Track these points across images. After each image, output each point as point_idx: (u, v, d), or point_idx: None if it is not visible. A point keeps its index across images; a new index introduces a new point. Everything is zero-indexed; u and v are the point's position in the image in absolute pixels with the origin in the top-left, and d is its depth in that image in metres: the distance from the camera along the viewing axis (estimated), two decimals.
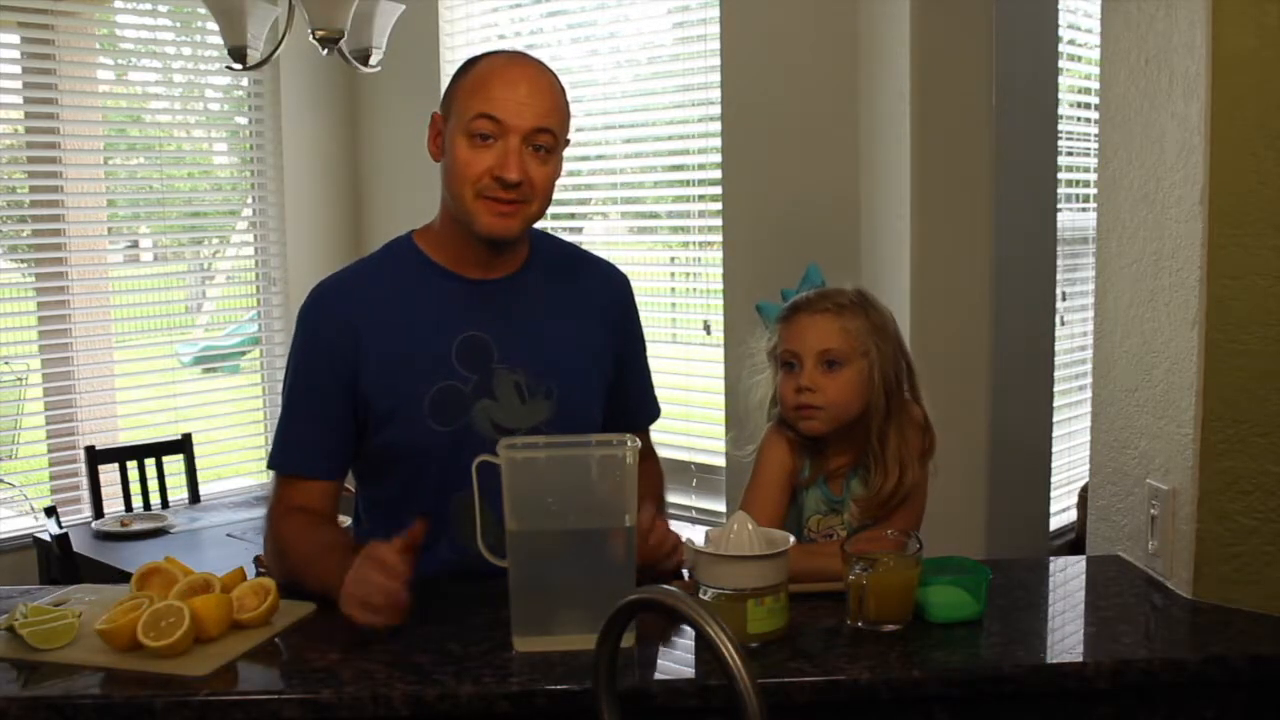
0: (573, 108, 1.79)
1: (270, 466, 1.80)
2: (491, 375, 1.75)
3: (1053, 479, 3.76)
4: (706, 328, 3.93)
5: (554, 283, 1.83)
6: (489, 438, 1.70)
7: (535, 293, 1.81)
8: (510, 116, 1.66)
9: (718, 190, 3.75)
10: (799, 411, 1.78)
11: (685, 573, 1.70)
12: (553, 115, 1.70)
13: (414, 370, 1.73)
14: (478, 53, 1.79)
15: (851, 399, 1.77)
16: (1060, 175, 3.76)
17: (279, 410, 1.82)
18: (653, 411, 2.01)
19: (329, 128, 4.81)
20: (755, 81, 3.56)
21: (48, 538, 3.62)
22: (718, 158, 3.72)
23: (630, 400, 1.93)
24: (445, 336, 1.74)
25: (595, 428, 1.83)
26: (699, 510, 3.76)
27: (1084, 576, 1.83)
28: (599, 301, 1.87)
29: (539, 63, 1.75)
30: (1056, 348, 3.83)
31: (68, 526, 3.73)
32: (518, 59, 1.74)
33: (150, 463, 4.18)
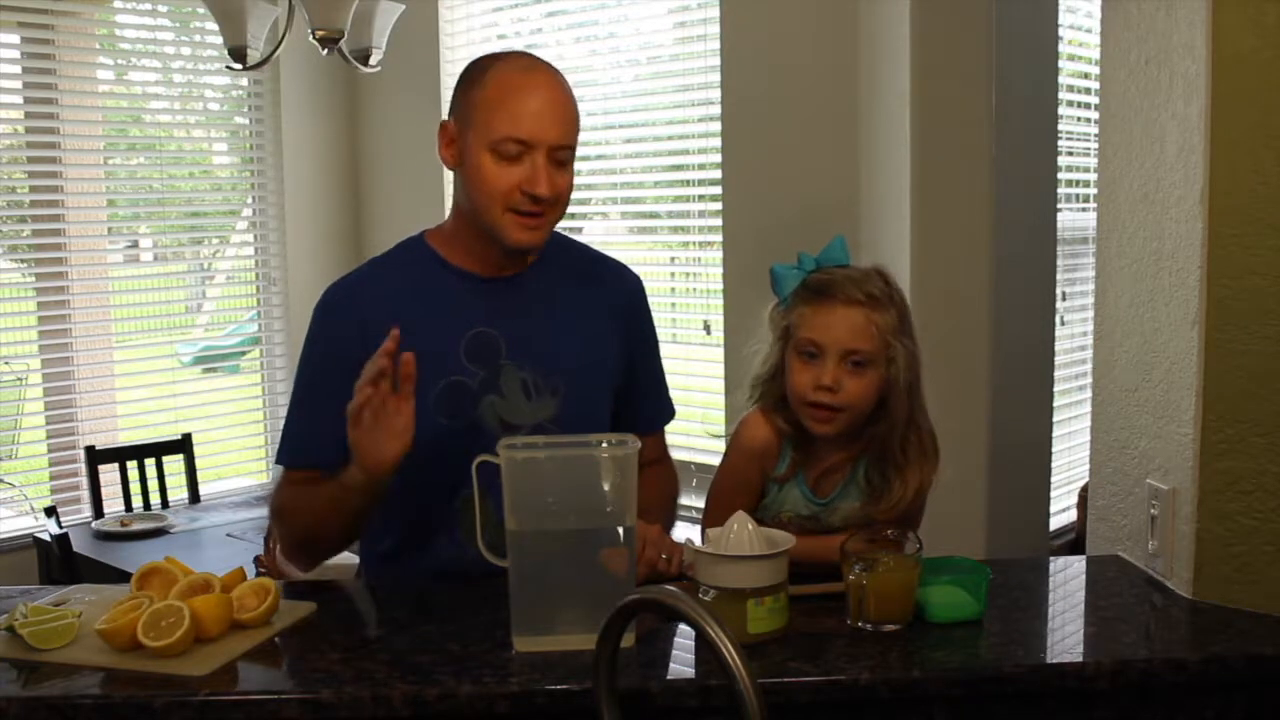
0: None
1: (278, 461, 1.80)
2: (499, 371, 1.76)
3: (1053, 479, 3.76)
4: (706, 328, 3.93)
5: (565, 281, 1.83)
6: (496, 434, 1.71)
7: (546, 291, 1.81)
8: (536, 136, 1.67)
9: (718, 190, 3.75)
10: (814, 409, 1.71)
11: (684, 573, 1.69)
12: (573, 128, 1.72)
13: (423, 365, 1.73)
14: (480, 53, 1.78)
15: (868, 402, 1.72)
16: (1060, 175, 3.76)
17: (284, 409, 1.82)
18: (666, 413, 2.00)
19: (329, 128, 4.81)
20: (755, 81, 3.56)
21: (48, 538, 3.62)
22: (718, 158, 3.72)
23: (641, 402, 1.93)
24: (455, 333, 1.75)
25: (602, 426, 1.83)
26: (699, 510, 3.75)
27: (1084, 576, 1.83)
28: (609, 302, 1.87)
29: (554, 71, 1.74)
30: (1056, 348, 3.83)
31: (68, 526, 3.73)
32: (536, 71, 1.72)
33: (150, 463, 4.18)
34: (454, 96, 1.76)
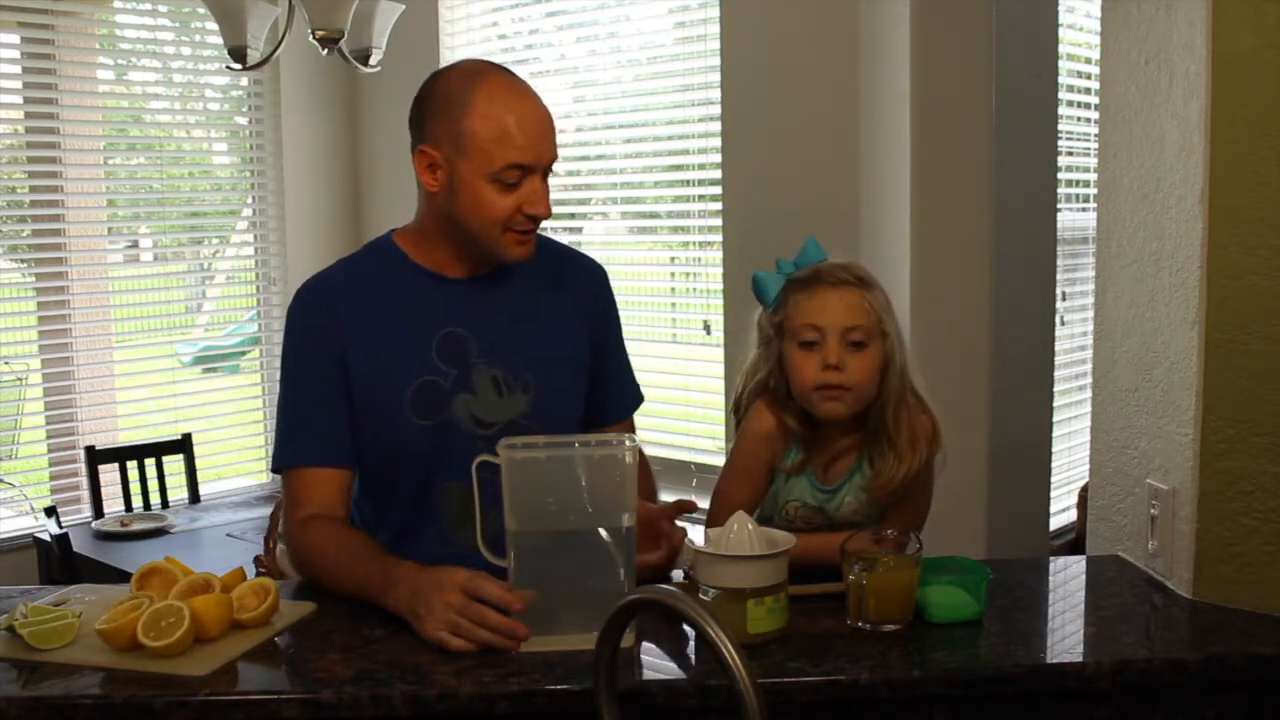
0: (573, 107, 1.80)
1: (277, 468, 1.79)
2: (470, 370, 1.78)
3: (1053, 479, 3.76)
4: (706, 328, 3.93)
5: (532, 278, 1.85)
6: (469, 431, 1.75)
7: (513, 289, 1.83)
8: (536, 160, 1.71)
9: (718, 190, 3.75)
10: (823, 392, 1.73)
11: (683, 572, 1.70)
12: (557, 142, 1.76)
13: (395, 366, 1.76)
14: (477, 55, 1.79)
15: (873, 381, 1.74)
16: (1060, 175, 3.76)
17: (277, 413, 1.82)
18: (634, 398, 2.01)
19: (329, 128, 4.81)
20: (755, 81, 3.56)
21: (48, 538, 3.62)
22: (718, 158, 3.72)
23: (609, 386, 1.95)
24: (426, 334, 1.77)
25: (574, 420, 1.86)
26: (700, 510, 3.75)
27: (1084, 576, 1.83)
28: (576, 294, 1.90)
29: (530, 87, 1.76)
30: (1056, 348, 3.83)
31: (68, 526, 3.73)
32: (519, 93, 1.72)
33: (150, 463, 4.18)
34: (428, 121, 1.73)
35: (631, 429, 2.00)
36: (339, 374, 1.75)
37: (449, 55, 4.44)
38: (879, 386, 1.75)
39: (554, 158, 1.74)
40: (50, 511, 3.69)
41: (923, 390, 1.80)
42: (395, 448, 1.77)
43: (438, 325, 1.78)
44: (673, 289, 4.28)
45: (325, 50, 3.23)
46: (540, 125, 1.72)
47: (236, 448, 4.86)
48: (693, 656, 1.47)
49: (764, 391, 1.81)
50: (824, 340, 1.73)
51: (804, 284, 1.77)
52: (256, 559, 3.21)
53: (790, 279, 1.79)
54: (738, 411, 1.88)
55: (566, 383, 1.85)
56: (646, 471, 1.99)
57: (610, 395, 1.95)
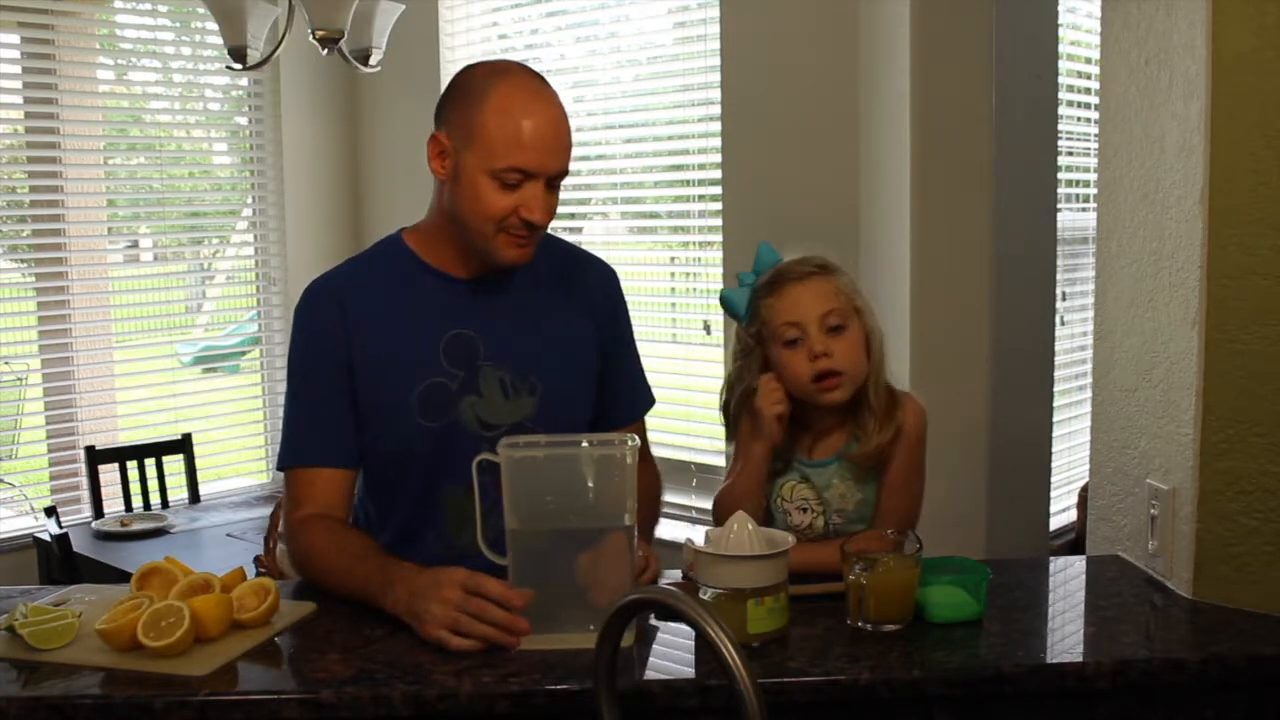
0: (573, 107, 1.79)
1: (281, 466, 1.80)
2: (478, 372, 1.77)
3: (1053, 479, 3.76)
4: (706, 328, 3.93)
5: (541, 280, 1.84)
6: (475, 434, 1.75)
7: (522, 291, 1.83)
8: (541, 167, 1.69)
9: (718, 190, 3.75)
10: (819, 384, 1.75)
11: (683, 572, 1.70)
12: (570, 152, 1.74)
13: (403, 368, 1.76)
14: (480, 55, 1.79)
15: (862, 359, 1.77)
16: (1060, 175, 3.76)
17: (282, 413, 1.82)
18: (645, 401, 2.01)
19: (329, 128, 4.81)
20: (755, 81, 3.56)
21: (48, 538, 3.62)
22: (718, 158, 3.72)
23: (619, 389, 1.94)
24: (433, 335, 1.77)
25: (581, 423, 1.85)
26: (699, 510, 3.76)
27: (1084, 576, 1.83)
28: (585, 296, 1.89)
29: (553, 93, 1.74)
30: (1056, 348, 3.83)
31: (68, 526, 3.73)
32: (540, 99, 1.71)
33: (150, 463, 4.18)
34: (447, 108, 1.73)
35: (642, 431, 1.99)
36: (344, 374, 1.75)
37: (449, 55, 4.44)
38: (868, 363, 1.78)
39: (561, 169, 1.71)
40: (50, 511, 3.69)
41: (930, 404, 1.83)
42: (400, 449, 1.76)
43: (446, 326, 1.77)
44: (673, 289, 4.28)
45: (325, 50, 3.23)
46: (553, 135, 1.69)
47: (236, 448, 4.86)
48: (693, 656, 1.47)
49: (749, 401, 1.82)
50: (805, 333, 1.75)
51: (771, 287, 1.80)
52: (256, 559, 3.21)
53: (755, 287, 1.82)
54: (726, 419, 1.90)
55: (573, 385, 1.84)
56: (651, 469, 2.00)
57: (620, 397, 1.94)
